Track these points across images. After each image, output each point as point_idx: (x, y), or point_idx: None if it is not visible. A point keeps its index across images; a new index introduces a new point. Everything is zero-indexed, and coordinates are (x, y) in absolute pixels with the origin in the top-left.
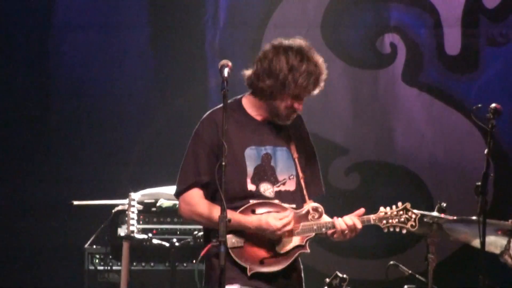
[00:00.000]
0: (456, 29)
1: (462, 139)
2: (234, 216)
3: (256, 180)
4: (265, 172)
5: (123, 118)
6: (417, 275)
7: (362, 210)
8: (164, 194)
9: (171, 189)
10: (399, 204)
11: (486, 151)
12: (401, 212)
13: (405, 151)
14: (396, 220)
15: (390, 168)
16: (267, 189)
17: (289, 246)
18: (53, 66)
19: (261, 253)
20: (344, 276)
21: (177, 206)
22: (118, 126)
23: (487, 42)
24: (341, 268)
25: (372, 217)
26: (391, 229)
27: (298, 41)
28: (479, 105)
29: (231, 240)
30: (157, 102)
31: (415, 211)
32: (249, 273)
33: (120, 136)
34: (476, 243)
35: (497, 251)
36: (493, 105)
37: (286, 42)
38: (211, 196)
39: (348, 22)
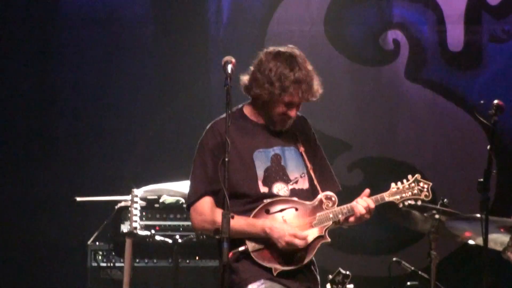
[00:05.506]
0: (459, 26)
1: (465, 136)
2: (248, 221)
3: (268, 182)
4: (277, 173)
5: (126, 114)
6: (420, 272)
7: (367, 190)
8: (167, 190)
9: (174, 185)
10: (409, 176)
11: (488, 147)
12: (413, 185)
13: (408, 147)
14: (410, 193)
15: (393, 164)
16: (281, 188)
17: (309, 239)
18: (56, 62)
19: (283, 251)
20: (347, 272)
21: (180, 202)
22: (121, 122)
23: (489, 39)
24: (344, 265)
25: (385, 194)
26: (406, 203)
27: (289, 49)
28: (482, 102)
29: (252, 243)
30: (160, 98)
31: (426, 181)
32: (274, 273)
33: (123, 132)
34: (479, 240)
35: (499, 248)
36: (496, 101)
37: (277, 49)
38: (222, 203)
39: (351, 18)
